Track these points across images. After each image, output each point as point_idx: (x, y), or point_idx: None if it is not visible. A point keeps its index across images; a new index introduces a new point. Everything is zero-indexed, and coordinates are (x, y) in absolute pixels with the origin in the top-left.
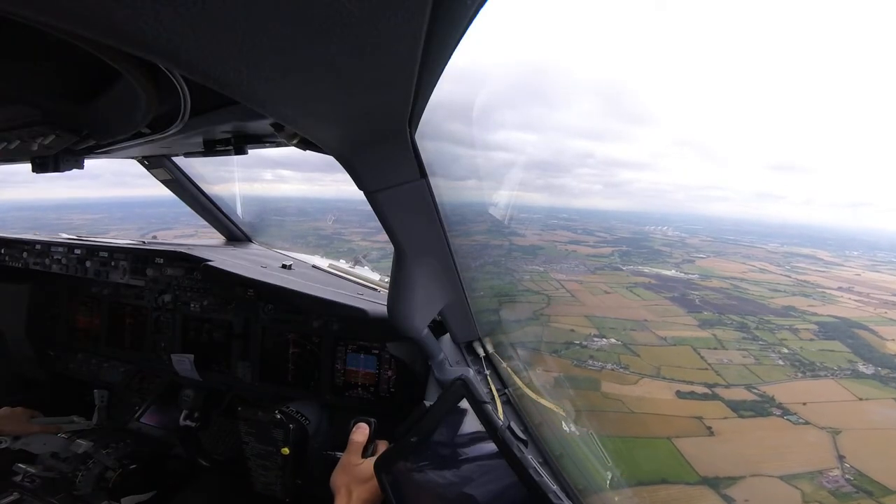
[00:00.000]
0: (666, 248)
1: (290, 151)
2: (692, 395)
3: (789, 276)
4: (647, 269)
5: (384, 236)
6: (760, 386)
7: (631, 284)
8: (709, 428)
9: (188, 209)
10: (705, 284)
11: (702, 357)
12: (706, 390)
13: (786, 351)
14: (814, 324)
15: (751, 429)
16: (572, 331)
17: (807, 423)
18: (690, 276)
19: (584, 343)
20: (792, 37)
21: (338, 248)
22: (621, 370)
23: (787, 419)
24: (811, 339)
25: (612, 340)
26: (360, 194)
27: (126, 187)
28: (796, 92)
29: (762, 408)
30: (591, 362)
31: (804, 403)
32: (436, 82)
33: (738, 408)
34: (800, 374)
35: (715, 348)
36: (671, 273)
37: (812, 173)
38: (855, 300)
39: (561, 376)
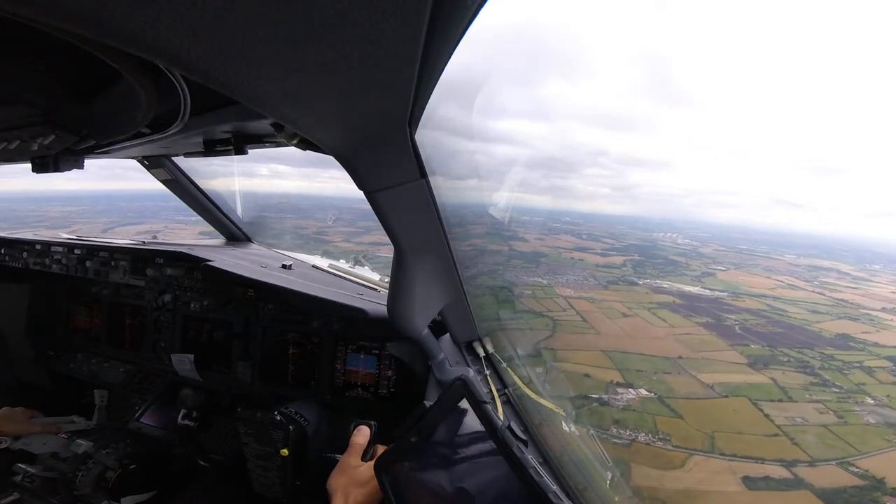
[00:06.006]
0: (681, 257)
1: (286, 147)
2: (767, 483)
3: (822, 294)
4: (666, 285)
5: (368, 237)
6: (857, 460)
7: (653, 305)
8: None
9: (172, 203)
10: (738, 305)
11: (766, 415)
12: (785, 472)
13: (870, 402)
14: (884, 358)
15: None
16: (587, 376)
17: None
18: (717, 293)
19: (605, 398)
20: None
21: (312, 249)
22: (660, 443)
23: None
24: (895, 382)
25: (644, 392)
26: (356, 192)
27: (118, 180)
28: (849, 83)
29: (873, 501)
30: (616, 432)
31: None
32: (436, 82)
33: (836, 502)
34: None
35: (780, 400)
36: (695, 290)
37: (848, 175)
38: None
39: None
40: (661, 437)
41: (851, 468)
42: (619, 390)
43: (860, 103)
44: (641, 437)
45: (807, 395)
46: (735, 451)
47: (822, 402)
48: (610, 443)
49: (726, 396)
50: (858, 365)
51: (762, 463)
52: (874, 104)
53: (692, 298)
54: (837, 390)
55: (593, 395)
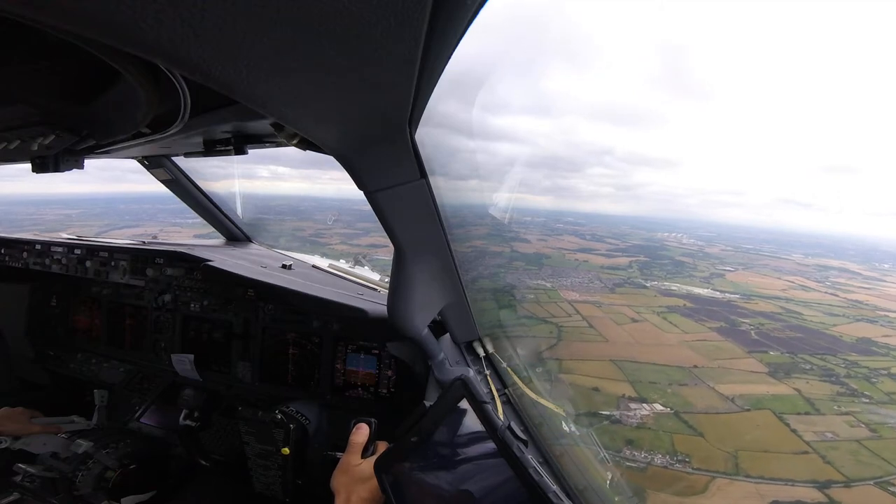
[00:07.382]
0: (687, 258)
1: (286, 147)
2: None
3: (836, 295)
4: (675, 287)
5: (367, 239)
6: None
7: (662, 309)
8: None
9: (170, 206)
10: (752, 308)
11: (793, 430)
12: (818, 495)
13: None
14: None
15: None
16: (596, 390)
17: None
18: (728, 295)
19: (617, 414)
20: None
21: (309, 252)
22: (679, 466)
23: None
24: None
25: (658, 407)
26: (356, 193)
27: (118, 182)
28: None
29: None
30: (630, 454)
31: None
32: (436, 82)
33: None
34: None
35: (806, 413)
36: (705, 292)
37: (856, 174)
38: None
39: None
40: (679, 458)
41: (892, 488)
42: (632, 406)
43: (869, 102)
44: (658, 460)
45: (835, 407)
46: (762, 471)
47: (851, 414)
48: (624, 467)
49: (748, 410)
50: (886, 372)
51: (792, 485)
52: (882, 103)
53: (703, 301)
54: (867, 400)
55: (604, 412)
